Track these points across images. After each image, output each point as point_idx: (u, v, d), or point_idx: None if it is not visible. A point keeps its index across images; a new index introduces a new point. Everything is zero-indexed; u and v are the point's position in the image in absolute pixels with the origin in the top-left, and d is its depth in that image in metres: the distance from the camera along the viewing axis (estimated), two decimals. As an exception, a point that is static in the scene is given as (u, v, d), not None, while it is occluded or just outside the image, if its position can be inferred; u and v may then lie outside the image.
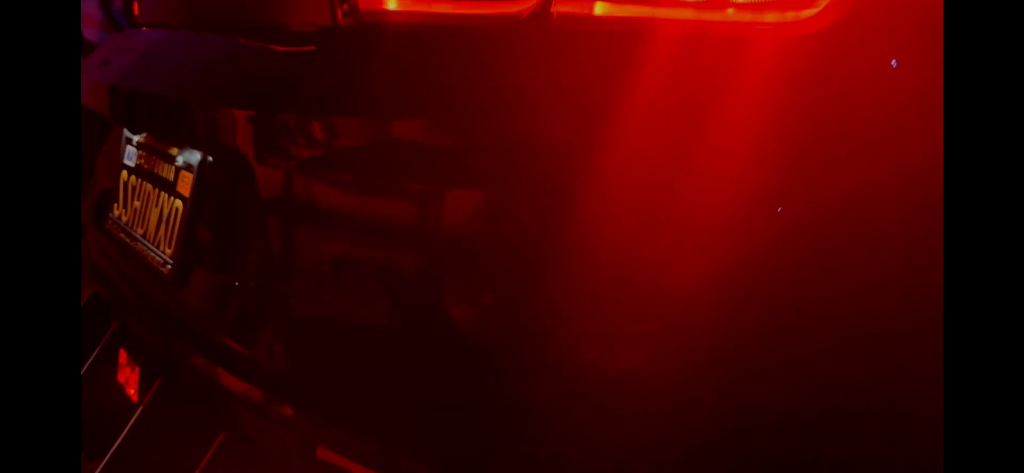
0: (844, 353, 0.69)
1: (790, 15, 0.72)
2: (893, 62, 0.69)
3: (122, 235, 1.48)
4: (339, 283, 1.00)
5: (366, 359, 0.96)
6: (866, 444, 0.69)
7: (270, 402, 1.05)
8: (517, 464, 0.85)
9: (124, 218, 1.49)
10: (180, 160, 1.29)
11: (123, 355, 1.53)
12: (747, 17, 0.74)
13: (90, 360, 1.57)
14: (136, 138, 1.50)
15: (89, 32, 2.57)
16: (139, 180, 1.46)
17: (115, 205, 1.55)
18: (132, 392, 1.47)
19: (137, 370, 1.45)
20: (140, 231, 1.41)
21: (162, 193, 1.34)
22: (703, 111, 0.77)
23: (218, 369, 1.14)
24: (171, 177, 1.31)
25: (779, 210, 0.70)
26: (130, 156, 1.53)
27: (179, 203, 1.26)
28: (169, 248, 1.27)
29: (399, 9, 0.96)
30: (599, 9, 0.81)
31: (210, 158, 1.21)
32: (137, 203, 1.45)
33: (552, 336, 0.82)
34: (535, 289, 0.83)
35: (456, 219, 0.90)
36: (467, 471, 0.88)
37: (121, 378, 1.53)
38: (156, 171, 1.38)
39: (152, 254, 1.32)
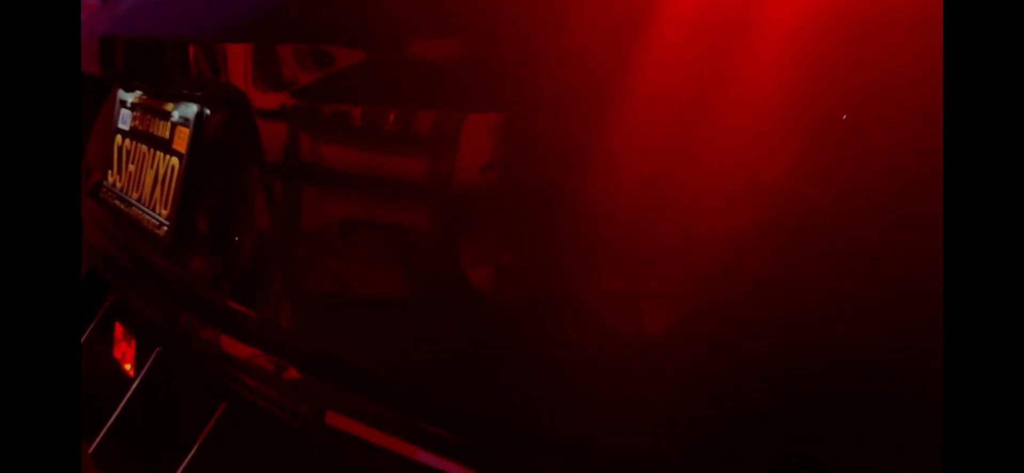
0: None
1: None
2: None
3: (116, 202, 1.40)
4: (349, 236, 0.92)
5: (378, 317, 0.87)
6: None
7: (276, 366, 0.97)
8: (535, 425, 0.77)
9: (118, 184, 1.42)
10: (176, 115, 1.21)
11: (119, 329, 1.45)
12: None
13: (85, 335, 1.49)
14: (130, 99, 1.42)
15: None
16: (133, 143, 1.38)
17: (109, 172, 1.48)
18: (129, 367, 1.39)
19: (133, 343, 1.37)
20: (135, 195, 1.33)
21: (157, 153, 1.26)
22: (743, 37, 0.69)
23: (220, 334, 1.06)
24: (167, 135, 1.23)
25: (844, 118, 0.62)
26: (124, 119, 1.45)
27: (175, 160, 1.18)
28: (165, 209, 1.19)
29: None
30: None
31: (207, 110, 1.13)
32: (132, 167, 1.37)
33: (576, 295, 0.74)
34: (558, 238, 0.74)
35: (474, 169, 0.81)
36: (484, 432, 0.80)
37: (117, 353, 1.45)
38: (151, 131, 1.30)
39: (148, 217, 1.25)
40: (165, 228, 1.16)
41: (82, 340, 1.50)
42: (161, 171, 1.23)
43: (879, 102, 0.62)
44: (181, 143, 1.18)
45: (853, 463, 0.59)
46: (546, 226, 0.75)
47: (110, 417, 1.24)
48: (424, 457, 0.84)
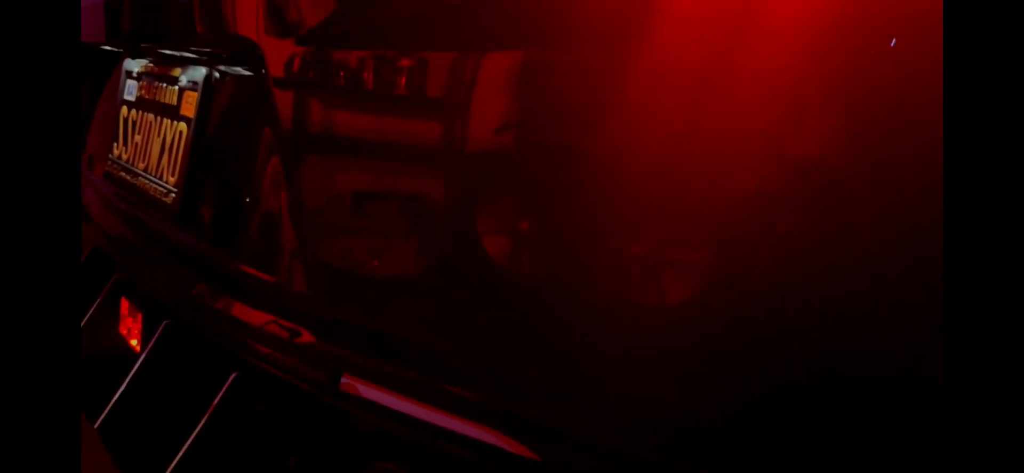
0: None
1: None
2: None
3: (122, 174, 1.36)
4: (365, 195, 0.89)
5: (395, 278, 0.84)
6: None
7: (289, 331, 0.93)
8: (556, 383, 0.73)
9: (124, 156, 1.38)
10: (184, 80, 1.17)
11: (125, 305, 1.42)
12: None
13: (89, 313, 1.46)
14: (136, 68, 1.39)
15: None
16: (139, 112, 1.34)
17: (114, 145, 1.44)
18: (135, 343, 1.36)
19: (140, 318, 1.34)
20: (141, 166, 1.29)
21: (165, 120, 1.22)
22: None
23: (231, 301, 1.03)
24: (174, 100, 1.20)
25: (892, 44, 0.58)
26: (130, 90, 1.42)
27: (183, 125, 1.15)
28: (173, 176, 1.16)
29: None
30: None
31: (216, 72, 1.09)
32: (138, 137, 1.34)
33: (593, 249, 0.70)
34: (577, 191, 0.71)
35: (493, 126, 0.78)
36: (508, 390, 0.76)
37: (123, 329, 1.42)
38: (158, 98, 1.27)
39: (154, 186, 1.21)
40: (172, 195, 1.13)
41: (87, 318, 1.47)
42: (168, 138, 1.20)
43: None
44: (189, 108, 1.14)
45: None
46: (567, 180, 0.72)
47: (116, 393, 1.21)
48: (442, 419, 0.80)
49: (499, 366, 0.76)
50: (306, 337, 0.91)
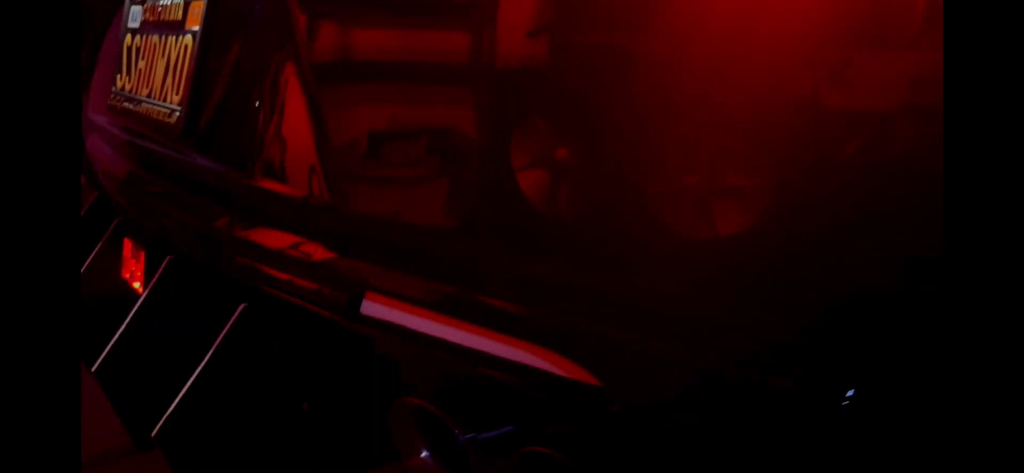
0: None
1: None
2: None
3: (126, 105, 1.27)
4: (385, 98, 0.78)
5: (420, 187, 0.74)
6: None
7: (305, 249, 0.83)
8: (592, 290, 0.63)
9: (128, 87, 1.28)
10: (189, -8, 1.07)
11: (128, 247, 1.32)
12: None
13: (90, 258, 1.37)
14: (141, -9, 1.29)
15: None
16: (144, 37, 1.24)
17: (118, 77, 1.34)
18: (137, 286, 1.26)
19: (143, 258, 1.24)
20: (145, 92, 1.19)
21: (169, 38, 1.12)
22: None
23: (239, 223, 0.93)
24: (180, 15, 1.10)
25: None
26: (134, 17, 1.32)
27: (188, 39, 1.05)
28: (177, 95, 1.05)
29: None
30: None
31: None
32: (142, 63, 1.24)
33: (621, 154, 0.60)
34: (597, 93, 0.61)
35: (522, 32, 0.67)
36: (562, 304, 0.66)
37: (125, 274, 1.32)
38: (163, 17, 1.17)
39: (158, 110, 1.11)
40: (176, 114, 1.03)
41: (87, 263, 1.38)
42: (173, 57, 1.09)
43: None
44: (194, 19, 1.04)
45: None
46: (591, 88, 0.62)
47: (115, 335, 1.11)
48: (480, 339, 0.70)
49: (549, 276, 0.65)
50: (323, 254, 0.81)
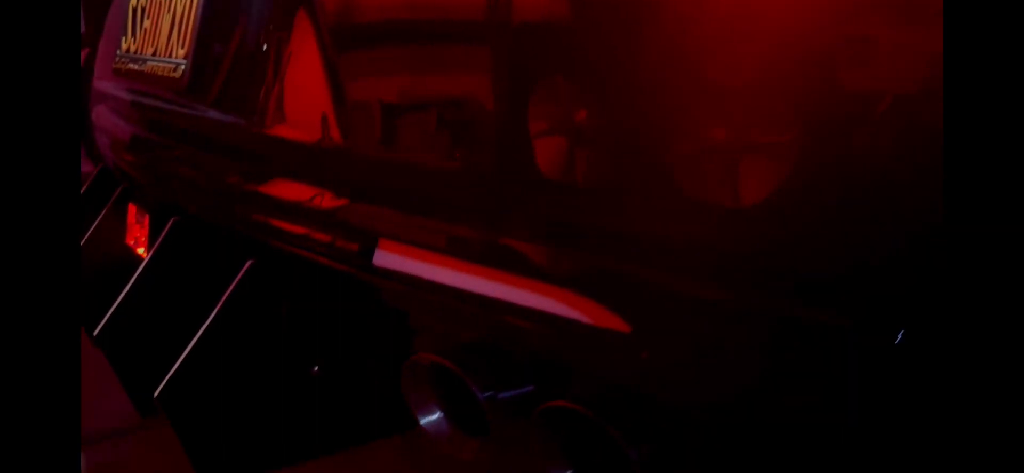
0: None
1: None
2: None
3: (131, 66, 1.23)
4: (402, 32, 0.74)
5: (438, 125, 0.70)
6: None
7: (314, 197, 0.79)
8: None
9: (132, 48, 1.25)
10: (196, -59, 1.03)
11: (132, 213, 1.29)
12: None
13: (93, 226, 1.33)
14: (146, -50, 1.25)
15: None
16: (149, -4, 1.21)
17: (123, 40, 1.31)
18: (141, 251, 1.23)
19: (147, 222, 1.20)
20: (150, 50, 1.16)
21: (175, -8, 1.09)
22: None
23: (246, 176, 0.89)
24: (186, -32, 1.06)
25: None
26: (139, -23, 1.29)
27: (195, -10, 1.01)
28: (182, 48, 1.02)
29: None
30: None
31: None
32: (147, 22, 1.20)
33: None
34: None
35: None
36: (563, 241, 0.62)
37: (130, 240, 1.29)
38: (169, -27, 1.13)
39: (164, 66, 1.08)
40: (182, 68, 0.99)
41: (90, 231, 1.34)
42: (178, 11, 1.06)
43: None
44: (202, -30, 1.00)
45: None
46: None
47: (117, 299, 1.07)
48: (482, 283, 0.66)
49: (576, 218, 0.61)
50: (335, 202, 0.77)
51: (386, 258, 0.75)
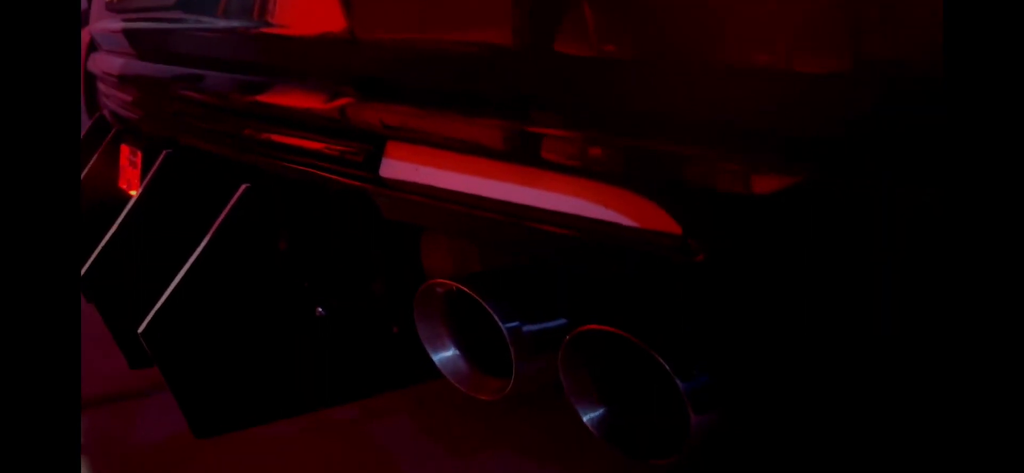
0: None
1: None
2: None
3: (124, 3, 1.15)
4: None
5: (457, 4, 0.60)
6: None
7: (321, 99, 0.70)
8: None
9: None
10: None
11: (125, 154, 1.20)
12: None
13: (86, 167, 1.25)
14: None
15: None
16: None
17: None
18: (134, 193, 1.14)
19: (140, 160, 1.12)
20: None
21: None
22: None
23: (242, 90, 0.80)
24: None
25: None
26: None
27: None
28: (175, -40, 0.93)
29: None
30: None
31: None
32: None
33: None
34: None
35: None
36: (603, 130, 0.52)
37: (123, 183, 1.20)
38: None
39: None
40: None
41: (84, 173, 1.26)
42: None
43: None
44: None
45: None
46: None
47: (105, 237, 0.99)
48: (507, 187, 0.56)
49: (618, 104, 0.52)
50: (339, 103, 0.68)
51: (394, 167, 0.65)
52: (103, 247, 0.96)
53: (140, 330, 0.77)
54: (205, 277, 0.78)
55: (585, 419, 0.65)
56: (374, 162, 0.65)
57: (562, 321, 0.70)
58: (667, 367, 0.57)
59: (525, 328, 0.69)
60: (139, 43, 1.11)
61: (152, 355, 0.78)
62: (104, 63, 1.33)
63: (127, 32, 1.14)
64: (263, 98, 0.76)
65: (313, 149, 0.71)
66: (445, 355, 0.73)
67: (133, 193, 1.16)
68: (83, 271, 0.97)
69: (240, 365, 0.83)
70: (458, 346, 0.74)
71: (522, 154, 0.56)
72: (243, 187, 0.79)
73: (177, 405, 0.84)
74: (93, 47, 1.60)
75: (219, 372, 0.82)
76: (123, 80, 1.20)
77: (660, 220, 0.52)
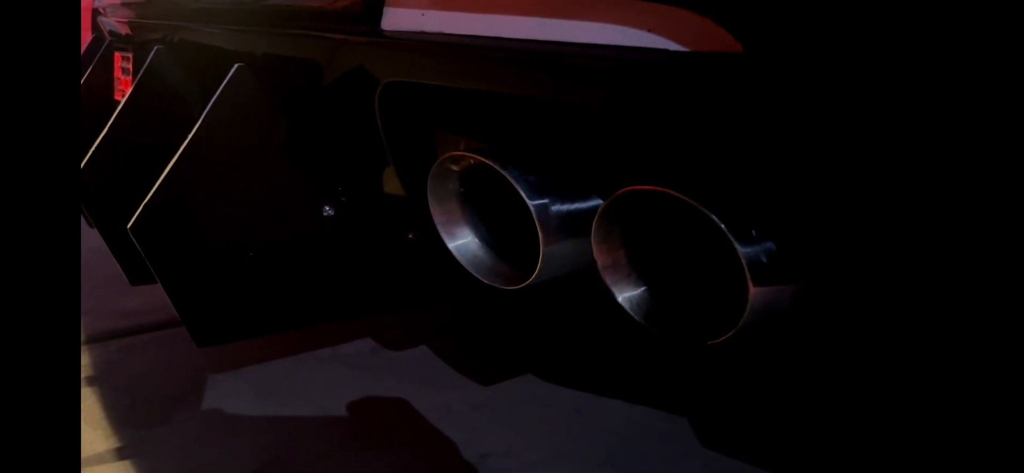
0: None
1: None
2: None
3: None
4: None
5: None
6: None
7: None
8: None
9: None
10: None
11: (118, 64, 1.13)
12: None
13: (85, 76, 1.18)
14: None
15: None
16: None
17: None
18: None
19: (132, 63, 1.04)
20: None
21: None
22: None
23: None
24: None
25: None
26: None
27: None
28: None
29: None
30: None
31: None
32: None
33: None
34: None
35: None
36: None
37: (118, 96, 1.13)
38: None
39: None
40: None
41: (82, 81, 1.19)
42: None
43: None
44: None
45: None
46: None
47: (97, 138, 0.92)
48: (528, 22, 0.48)
49: None
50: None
51: (397, 16, 0.57)
52: (95, 148, 0.89)
53: (129, 225, 0.70)
54: (197, 165, 0.70)
55: (620, 299, 0.56)
56: (375, 13, 0.57)
57: (595, 201, 0.62)
58: (722, 226, 0.49)
59: (553, 207, 0.61)
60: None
61: (143, 254, 0.70)
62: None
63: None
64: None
65: (309, 7, 0.63)
66: (462, 242, 0.65)
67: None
68: (83, 163, 0.90)
69: (240, 266, 0.76)
70: (477, 232, 0.66)
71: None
72: (236, 67, 0.71)
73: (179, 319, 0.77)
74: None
75: (217, 273, 0.74)
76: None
77: (716, 37, 0.43)
